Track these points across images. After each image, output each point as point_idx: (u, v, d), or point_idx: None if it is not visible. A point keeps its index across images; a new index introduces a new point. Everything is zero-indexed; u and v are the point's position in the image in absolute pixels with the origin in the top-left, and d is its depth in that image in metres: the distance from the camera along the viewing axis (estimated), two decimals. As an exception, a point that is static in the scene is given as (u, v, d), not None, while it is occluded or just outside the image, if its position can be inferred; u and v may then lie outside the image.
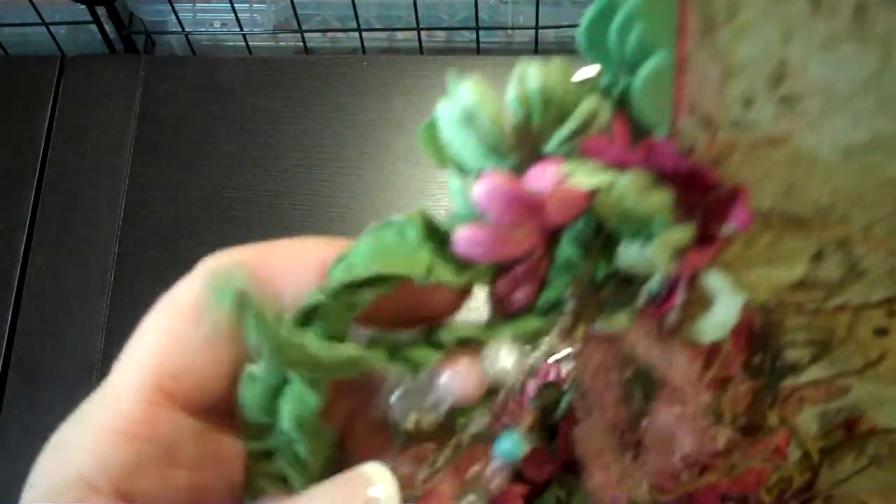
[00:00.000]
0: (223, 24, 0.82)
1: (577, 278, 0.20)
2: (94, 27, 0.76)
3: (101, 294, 0.67)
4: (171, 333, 0.21)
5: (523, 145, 0.19)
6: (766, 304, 0.23)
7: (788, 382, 0.26)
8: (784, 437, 0.27)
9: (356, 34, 0.78)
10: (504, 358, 0.19)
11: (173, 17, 0.77)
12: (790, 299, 0.23)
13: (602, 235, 0.20)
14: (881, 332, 0.25)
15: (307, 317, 0.19)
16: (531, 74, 0.18)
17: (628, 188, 0.19)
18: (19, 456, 0.62)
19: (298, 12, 0.76)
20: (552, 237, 0.20)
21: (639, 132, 0.20)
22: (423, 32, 0.77)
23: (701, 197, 0.20)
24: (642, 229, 0.19)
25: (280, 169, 0.71)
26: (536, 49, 0.79)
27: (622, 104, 0.20)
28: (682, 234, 0.19)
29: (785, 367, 0.25)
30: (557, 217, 0.19)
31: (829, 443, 0.29)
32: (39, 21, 0.76)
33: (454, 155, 0.20)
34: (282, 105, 0.73)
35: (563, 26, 0.79)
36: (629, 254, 0.20)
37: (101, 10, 0.75)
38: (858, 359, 0.26)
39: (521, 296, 0.20)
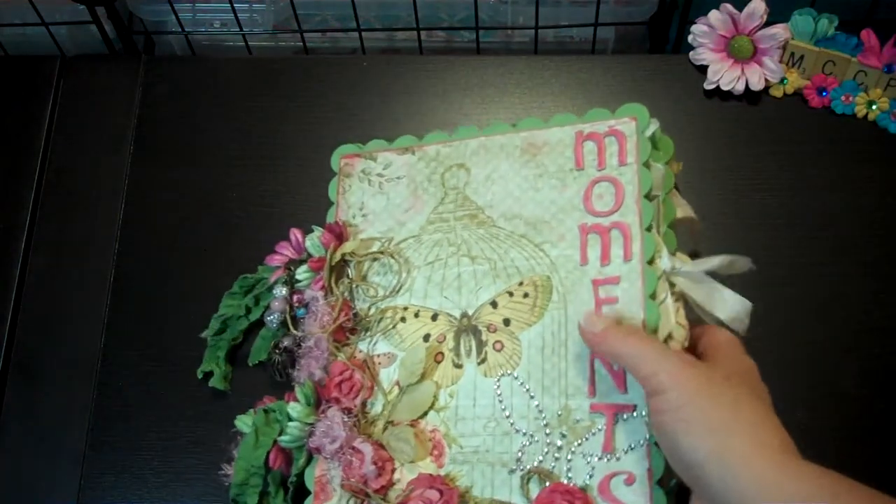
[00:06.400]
0: (223, 24, 0.82)
1: None
2: (94, 27, 0.76)
3: (101, 294, 0.67)
4: None
5: None
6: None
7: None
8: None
9: (356, 34, 0.78)
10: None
11: (173, 17, 0.77)
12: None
13: None
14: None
15: None
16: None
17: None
18: (19, 456, 0.62)
19: (298, 12, 0.76)
20: None
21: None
22: (422, 32, 0.77)
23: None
24: None
25: (280, 169, 0.71)
26: (536, 49, 0.79)
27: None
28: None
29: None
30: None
31: None
32: (39, 21, 0.76)
33: None
34: (282, 105, 0.73)
35: (562, 26, 0.79)
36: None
37: (101, 10, 0.75)
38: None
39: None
